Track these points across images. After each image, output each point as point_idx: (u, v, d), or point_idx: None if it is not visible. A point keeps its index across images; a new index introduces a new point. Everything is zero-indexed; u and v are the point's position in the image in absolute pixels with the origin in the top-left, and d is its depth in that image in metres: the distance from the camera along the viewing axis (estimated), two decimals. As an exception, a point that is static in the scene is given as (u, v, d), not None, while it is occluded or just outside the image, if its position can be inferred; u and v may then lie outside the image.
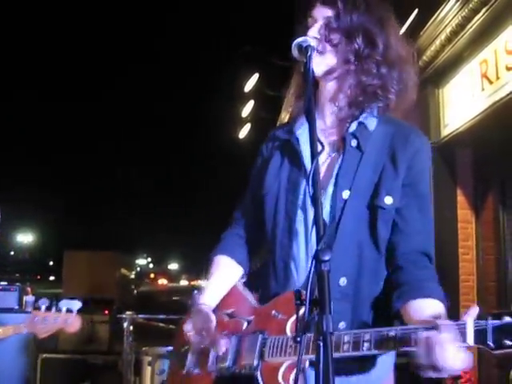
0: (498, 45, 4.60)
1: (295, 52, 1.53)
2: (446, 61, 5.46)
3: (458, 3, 4.93)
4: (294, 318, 1.48)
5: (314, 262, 1.16)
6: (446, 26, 5.19)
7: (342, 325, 1.49)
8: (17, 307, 5.50)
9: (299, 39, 1.52)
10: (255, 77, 10.06)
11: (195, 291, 1.79)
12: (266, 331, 1.54)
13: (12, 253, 60.76)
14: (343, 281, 1.51)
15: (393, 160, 1.57)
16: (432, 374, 1.23)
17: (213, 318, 1.63)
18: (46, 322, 2.35)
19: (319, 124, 1.55)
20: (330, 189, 1.57)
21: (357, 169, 1.56)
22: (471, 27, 4.87)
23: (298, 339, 1.18)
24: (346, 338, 1.31)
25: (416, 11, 5.71)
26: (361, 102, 1.61)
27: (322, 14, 1.65)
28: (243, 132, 11.17)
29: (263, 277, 1.71)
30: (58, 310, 2.38)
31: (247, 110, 10.63)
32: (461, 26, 4.99)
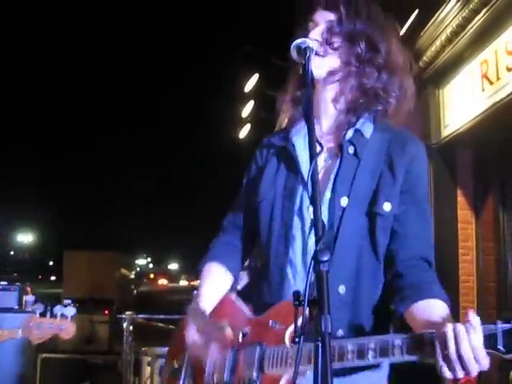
0: (499, 45, 4.60)
1: (294, 53, 1.53)
2: (446, 61, 5.46)
3: (459, 4, 4.93)
4: (292, 327, 1.44)
5: (312, 263, 1.15)
6: (446, 26, 5.19)
7: (339, 332, 1.48)
8: (17, 307, 5.51)
9: (298, 40, 1.52)
10: (255, 77, 10.06)
11: (195, 291, 1.76)
12: (264, 342, 1.50)
13: (12, 253, 60.76)
14: (342, 288, 1.51)
15: (390, 167, 1.57)
16: (450, 374, 1.21)
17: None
18: (40, 327, 2.33)
19: (316, 129, 1.55)
20: (327, 195, 1.56)
21: (354, 176, 1.56)
22: (472, 28, 4.87)
23: (297, 340, 1.17)
24: (350, 347, 1.29)
25: (416, 12, 5.71)
26: (361, 105, 1.61)
27: (324, 17, 1.65)
28: (243, 132, 11.16)
29: (256, 286, 1.68)
30: (53, 316, 2.37)
31: (247, 110, 10.63)
32: (461, 27, 4.99)
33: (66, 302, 9.20)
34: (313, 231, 1.55)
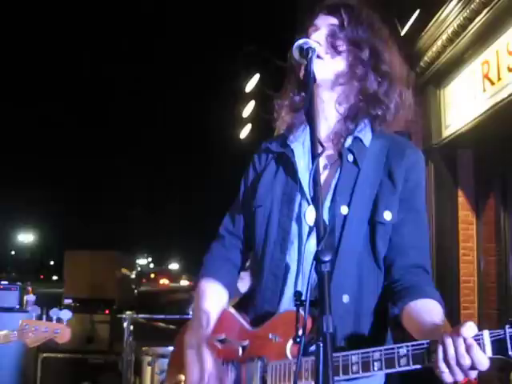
0: (500, 46, 4.60)
1: (296, 54, 1.53)
2: (447, 62, 5.46)
3: (460, 4, 4.92)
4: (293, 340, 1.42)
5: (314, 263, 1.15)
6: (447, 26, 5.19)
7: (342, 342, 1.47)
8: (17, 306, 5.52)
9: (300, 41, 1.52)
10: (256, 77, 10.06)
11: (191, 311, 1.73)
12: (265, 356, 1.47)
13: (13, 252, 60.79)
14: (346, 298, 1.51)
15: (390, 175, 1.58)
16: (450, 379, 1.20)
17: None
18: (36, 331, 2.31)
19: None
20: (327, 203, 1.56)
21: (354, 184, 1.56)
22: (473, 28, 4.87)
23: (298, 340, 1.17)
24: (354, 359, 1.28)
25: (417, 12, 5.71)
26: (361, 109, 1.62)
27: (325, 21, 1.66)
28: (244, 132, 11.16)
29: (251, 295, 1.67)
30: (49, 319, 2.35)
31: (248, 110, 10.63)
32: (462, 27, 4.98)
33: (67, 301, 9.22)
34: (310, 237, 1.56)
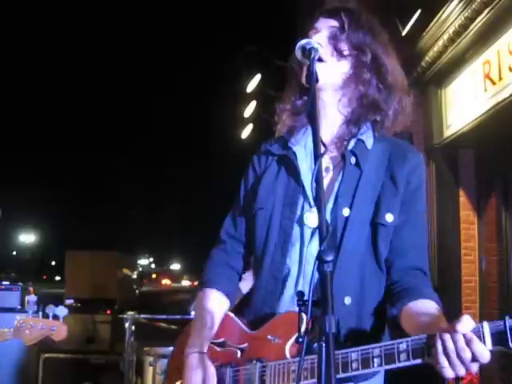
0: (501, 45, 4.60)
1: (298, 54, 1.52)
2: (448, 61, 5.46)
3: (461, 4, 4.92)
4: (292, 340, 1.43)
5: (316, 263, 1.15)
6: (448, 26, 5.19)
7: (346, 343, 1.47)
8: (19, 307, 5.52)
9: (303, 41, 1.52)
10: (258, 77, 10.06)
11: (193, 316, 1.71)
12: (264, 358, 1.47)
13: (14, 253, 60.85)
14: (348, 299, 1.51)
15: (392, 178, 1.58)
16: (451, 373, 1.20)
17: (212, 373, 1.55)
18: (32, 328, 2.30)
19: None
20: (330, 205, 1.56)
21: (356, 187, 1.57)
22: (474, 28, 4.87)
23: (300, 340, 1.17)
24: (354, 356, 1.28)
25: (419, 12, 5.71)
26: (361, 114, 1.62)
27: (326, 24, 1.66)
28: (245, 132, 11.16)
29: (249, 297, 1.67)
30: (45, 316, 2.34)
31: (249, 110, 10.63)
32: (463, 27, 4.98)
33: (68, 301, 9.23)
34: (313, 240, 1.56)
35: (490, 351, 1.17)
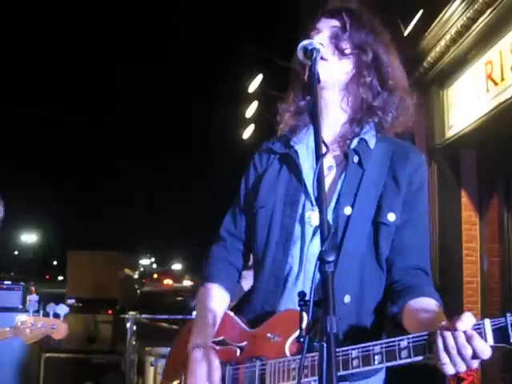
0: (503, 46, 4.59)
1: (300, 54, 1.52)
2: (450, 62, 5.46)
3: (463, 4, 4.92)
4: (292, 338, 1.43)
5: (318, 263, 1.15)
6: (450, 26, 5.19)
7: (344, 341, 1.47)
8: (21, 306, 5.52)
9: (305, 42, 1.52)
10: (259, 77, 10.07)
11: (194, 313, 1.71)
12: (263, 356, 1.46)
13: (16, 252, 60.94)
14: (347, 298, 1.51)
15: (394, 177, 1.59)
16: (452, 370, 1.20)
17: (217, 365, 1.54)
18: (32, 327, 2.30)
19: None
20: (332, 204, 1.56)
21: (358, 186, 1.57)
22: (476, 28, 4.87)
23: (301, 340, 1.16)
24: (355, 354, 1.28)
25: (421, 12, 5.71)
26: (363, 114, 1.62)
27: (327, 24, 1.66)
28: (247, 133, 11.16)
29: (250, 294, 1.67)
30: (46, 315, 2.33)
31: (251, 110, 10.63)
32: (466, 27, 4.98)
33: (70, 301, 9.25)
34: (314, 238, 1.56)
35: (492, 349, 1.17)
